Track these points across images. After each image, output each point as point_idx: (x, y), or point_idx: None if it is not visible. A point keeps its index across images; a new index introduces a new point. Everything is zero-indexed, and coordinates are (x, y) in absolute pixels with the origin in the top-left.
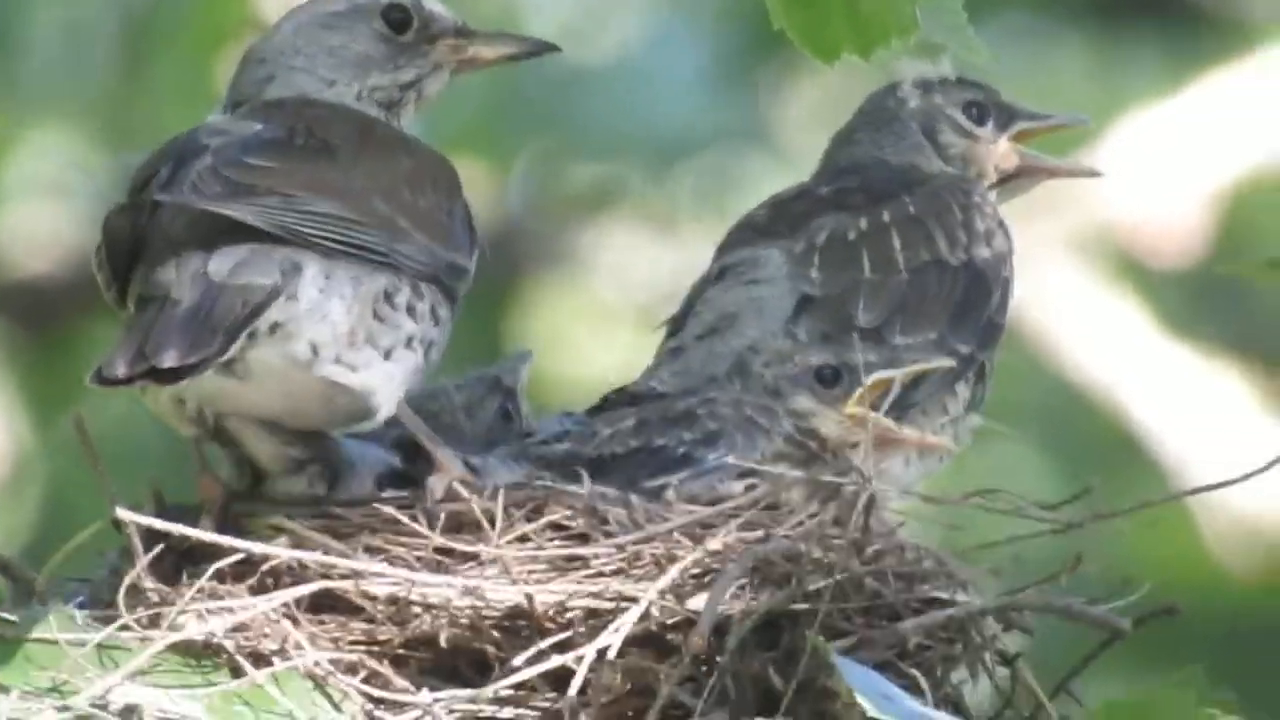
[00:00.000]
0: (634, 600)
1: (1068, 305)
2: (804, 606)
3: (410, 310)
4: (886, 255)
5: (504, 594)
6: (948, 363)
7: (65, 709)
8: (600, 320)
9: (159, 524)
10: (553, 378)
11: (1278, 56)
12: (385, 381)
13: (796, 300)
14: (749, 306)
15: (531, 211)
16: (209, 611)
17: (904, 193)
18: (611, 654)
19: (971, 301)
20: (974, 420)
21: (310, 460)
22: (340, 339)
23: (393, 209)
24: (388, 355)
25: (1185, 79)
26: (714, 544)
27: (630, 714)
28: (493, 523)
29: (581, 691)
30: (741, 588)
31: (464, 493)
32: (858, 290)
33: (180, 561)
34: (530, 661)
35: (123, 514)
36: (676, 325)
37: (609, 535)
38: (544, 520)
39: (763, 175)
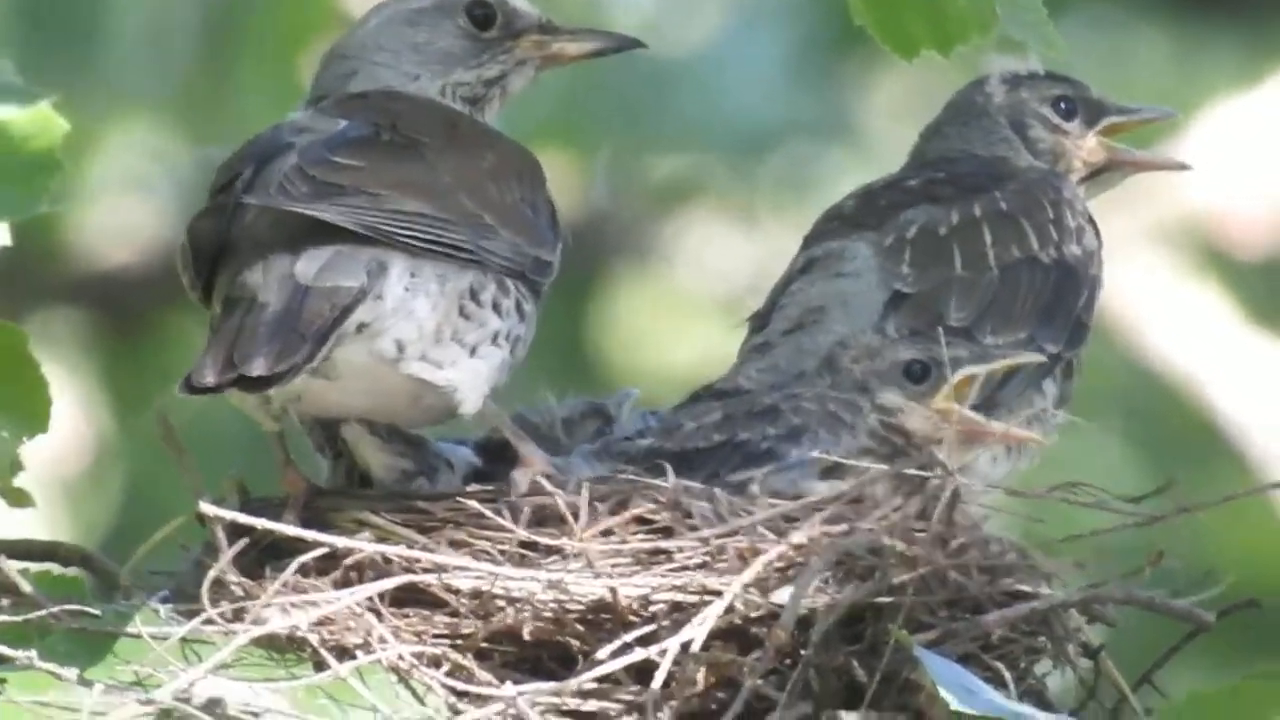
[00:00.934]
0: (718, 594)
1: (1152, 296)
2: (887, 600)
3: (496, 306)
4: (978, 251)
5: (588, 587)
6: (1036, 357)
7: (149, 702)
8: (681, 312)
9: (243, 518)
10: (634, 370)
11: None
12: (471, 378)
13: (888, 297)
14: (835, 300)
15: (614, 204)
16: (293, 605)
17: (994, 186)
18: (695, 647)
19: (1061, 300)
20: (1059, 416)
21: (418, 472)
22: (426, 336)
23: (479, 205)
24: (474, 352)
25: (1266, 69)
26: (798, 538)
27: (713, 707)
28: (577, 516)
29: (665, 685)
30: (825, 581)
31: (548, 487)
32: (949, 288)
33: (264, 555)
34: (614, 655)
35: (207, 508)
36: (762, 320)
37: (693, 529)
38: (628, 514)
39: (844, 168)
